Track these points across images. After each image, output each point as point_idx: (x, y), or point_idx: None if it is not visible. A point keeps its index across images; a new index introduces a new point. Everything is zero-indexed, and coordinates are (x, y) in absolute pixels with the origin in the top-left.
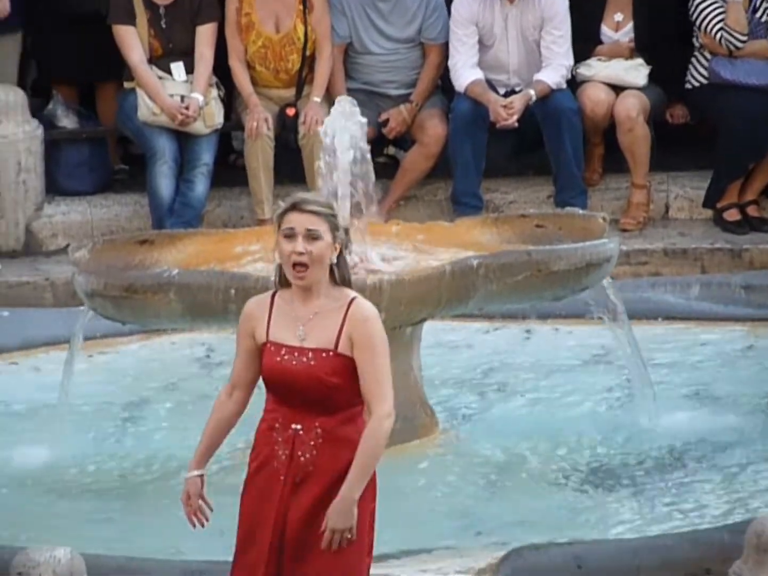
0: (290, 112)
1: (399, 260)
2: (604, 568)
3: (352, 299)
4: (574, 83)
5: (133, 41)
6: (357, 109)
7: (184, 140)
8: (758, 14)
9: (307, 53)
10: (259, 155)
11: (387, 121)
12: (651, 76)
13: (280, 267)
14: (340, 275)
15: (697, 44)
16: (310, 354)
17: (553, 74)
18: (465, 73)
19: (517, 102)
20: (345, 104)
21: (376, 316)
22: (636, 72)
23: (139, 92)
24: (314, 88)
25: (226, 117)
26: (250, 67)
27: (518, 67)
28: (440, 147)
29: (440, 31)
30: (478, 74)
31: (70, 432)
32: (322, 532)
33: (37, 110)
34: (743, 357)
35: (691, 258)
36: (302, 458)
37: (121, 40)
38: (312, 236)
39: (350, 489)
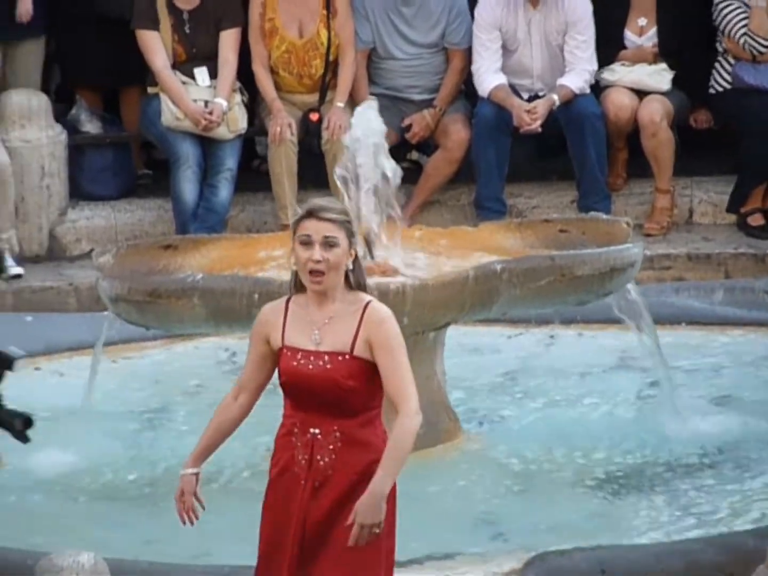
0: (314, 117)
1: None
2: (628, 573)
3: (368, 303)
4: (598, 88)
5: (156, 46)
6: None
7: (207, 145)
8: None
9: (331, 58)
10: (283, 160)
11: (410, 126)
12: (674, 81)
13: (295, 272)
14: (355, 280)
15: (720, 49)
16: (326, 357)
17: (577, 79)
18: (488, 78)
19: (541, 107)
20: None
21: (391, 318)
22: (659, 77)
23: (163, 97)
24: (337, 94)
25: (250, 122)
26: (273, 72)
27: (542, 72)
28: (463, 152)
29: (464, 36)
30: (502, 79)
31: (93, 437)
32: (349, 526)
33: (61, 115)
34: (767, 362)
35: (715, 263)
36: (321, 462)
37: (144, 45)
38: (329, 244)
39: (380, 483)
